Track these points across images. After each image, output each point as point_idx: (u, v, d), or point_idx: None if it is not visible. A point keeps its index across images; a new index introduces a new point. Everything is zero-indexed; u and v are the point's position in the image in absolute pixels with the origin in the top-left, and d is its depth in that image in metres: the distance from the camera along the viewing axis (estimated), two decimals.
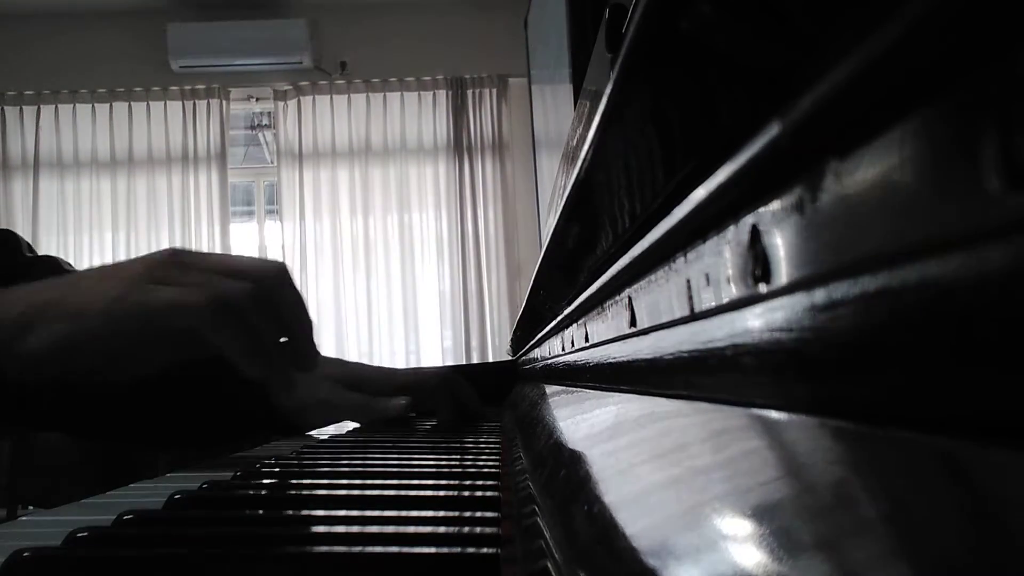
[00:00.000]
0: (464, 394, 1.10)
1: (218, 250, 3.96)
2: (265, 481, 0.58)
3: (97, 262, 3.91)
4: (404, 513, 0.42)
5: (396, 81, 3.99)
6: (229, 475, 0.58)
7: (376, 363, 3.79)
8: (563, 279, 0.69)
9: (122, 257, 3.88)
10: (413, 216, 4.00)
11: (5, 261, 0.87)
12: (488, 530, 0.38)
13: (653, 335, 0.33)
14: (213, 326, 0.59)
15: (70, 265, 1.00)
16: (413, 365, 3.79)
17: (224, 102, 4.01)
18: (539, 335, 1.01)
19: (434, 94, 4.00)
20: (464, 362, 3.72)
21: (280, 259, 0.70)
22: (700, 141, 0.25)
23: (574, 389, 0.61)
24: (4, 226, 3.89)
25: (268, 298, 0.62)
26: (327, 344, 3.92)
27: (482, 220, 3.99)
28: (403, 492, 0.50)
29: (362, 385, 0.98)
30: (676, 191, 0.27)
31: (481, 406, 1.14)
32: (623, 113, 0.31)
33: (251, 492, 0.53)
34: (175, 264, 0.62)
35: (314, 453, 0.75)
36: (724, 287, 0.23)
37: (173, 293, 0.60)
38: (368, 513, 0.41)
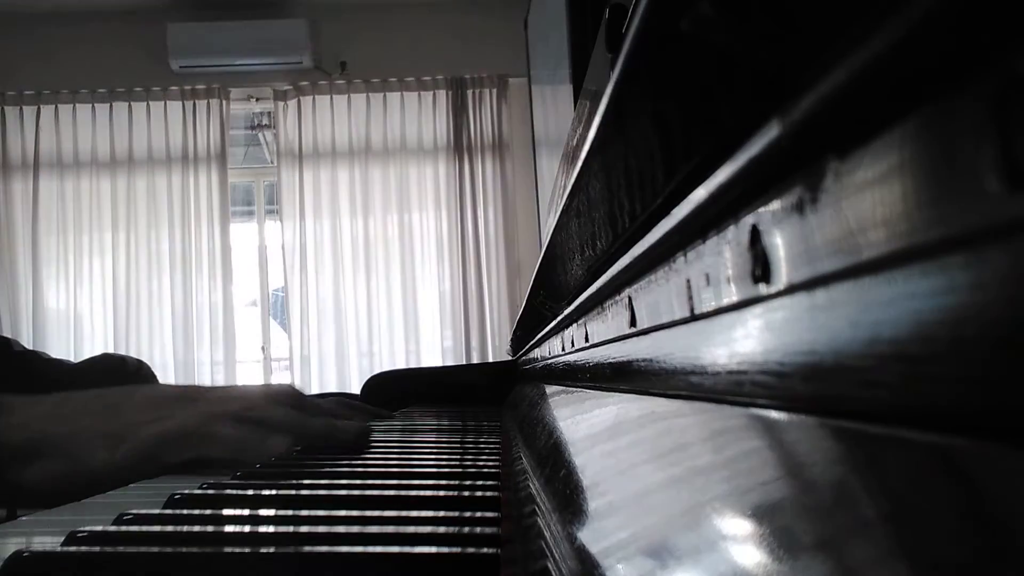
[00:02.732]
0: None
1: (218, 250, 3.95)
2: (265, 481, 0.58)
3: (97, 262, 3.91)
4: (404, 513, 0.42)
5: (396, 81, 3.99)
6: (229, 475, 0.58)
7: (376, 364, 3.80)
8: (563, 279, 0.69)
9: (122, 261, 3.88)
10: (413, 216, 4.00)
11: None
12: (488, 530, 0.38)
13: (653, 335, 0.33)
14: (203, 443, 0.64)
15: (22, 347, 0.99)
16: (413, 365, 3.79)
17: (224, 102, 4.00)
18: (539, 335, 1.01)
19: (434, 94, 4.00)
20: (464, 362, 3.72)
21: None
22: (700, 141, 0.25)
23: (574, 389, 0.61)
24: (4, 226, 3.88)
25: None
26: (327, 344, 3.92)
27: (482, 220, 3.99)
28: (403, 492, 0.50)
29: None
30: (676, 191, 0.27)
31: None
32: (623, 113, 0.31)
33: (251, 492, 0.53)
34: (168, 398, 0.67)
35: (314, 453, 0.75)
36: (724, 287, 0.23)
37: (161, 427, 0.63)
38: (368, 513, 0.41)
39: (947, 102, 0.12)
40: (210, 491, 0.50)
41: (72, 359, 1.03)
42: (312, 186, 3.99)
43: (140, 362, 1.05)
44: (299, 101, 3.99)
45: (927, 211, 0.12)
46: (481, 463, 0.66)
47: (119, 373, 0.98)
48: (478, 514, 0.42)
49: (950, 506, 0.12)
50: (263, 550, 0.35)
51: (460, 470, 0.63)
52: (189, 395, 0.68)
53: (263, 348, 4.15)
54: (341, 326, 3.94)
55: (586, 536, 0.28)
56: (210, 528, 0.41)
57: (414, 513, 0.43)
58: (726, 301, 0.23)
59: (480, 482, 0.55)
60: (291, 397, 0.73)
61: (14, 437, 0.62)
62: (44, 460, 0.61)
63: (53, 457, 0.61)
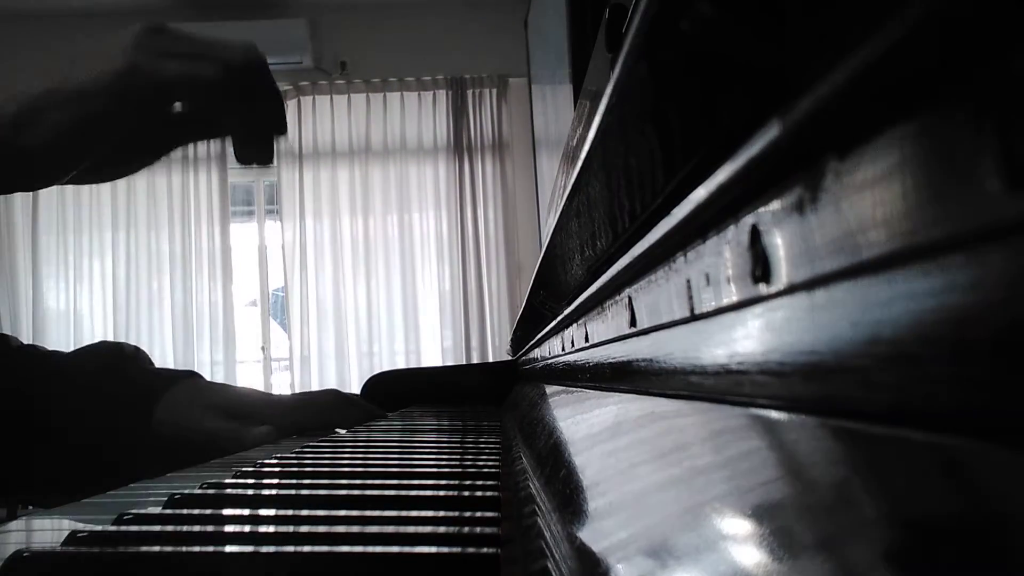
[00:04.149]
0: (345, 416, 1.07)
1: (218, 250, 3.95)
2: (265, 481, 0.58)
3: (97, 262, 3.91)
4: (404, 513, 0.43)
5: (396, 81, 3.99)
6: (229, 475, 0.58)
7: (376, 364, 3.80)
8: (563, 279, 0.69)
9: (122, 261, 3.88)
10: (413, 216, 4.00)
11: None
12: (488, 530, 0.38)
13: (653, 335, 0.33)
14: (225, 100, 0.60)
15: (19, 342, 0.98)
16: (413, 365, 3.79)
17: None
18: (539, 335, 1.01)
19: (434, 94, 4.00)
20: (464, 362, 3.72)
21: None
22: (700, 141, 0.25)
23: (574, 389, 0.61)
24: (4, 226, 3.86)
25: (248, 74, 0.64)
26: (327, 344, 3.92)
27: (482, 220, 3.99)
28: (403, 492, 0.50)
29: (244, 410, 0.97)
30: (676, 191, 0.27)
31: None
32: (623, 113, 0.31)
33: (251, 492, 0.53)
34: (164, 34, 0.64)
35: (314, 453, 0.75)
36: (724, 287, 0.23)
37: (182, 66, 0.61)
38: (368, 513, 0.42)
39: (947, 102, 0.12)
40: (210, 491, 0.50)
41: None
42: (312, 186, 3.99)
43: (136, 348, 1.05)
44: (299, 101, 3.99)
45: (927, 211, 0.12)
46: (481, 463, 0.66)
47: (115, 359, 0.98)
48: (478, 514, 0.42)
49: (950, 506, 0.12)
50: (263, 550, 0.35)
51: (460, 470, 0.63)
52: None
53: (263, 348, 4.16)
54: (341, 326, 3.94)
55: (586, 536, 0.28)
56: (210, 528, 0.41)
57: (414, 513, 0.43)
58: (726, 301, 0.23)
59: (480, 482, 0.55)
60: None
61: (7, 108, 0.58)
62: (49, 114, 0.58)
63: (57, 108, 0.58)
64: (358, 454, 0.76)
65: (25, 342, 0.97)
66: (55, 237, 3.92)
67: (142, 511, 0.43)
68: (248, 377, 4.06)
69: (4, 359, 0.89)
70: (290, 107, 3.99)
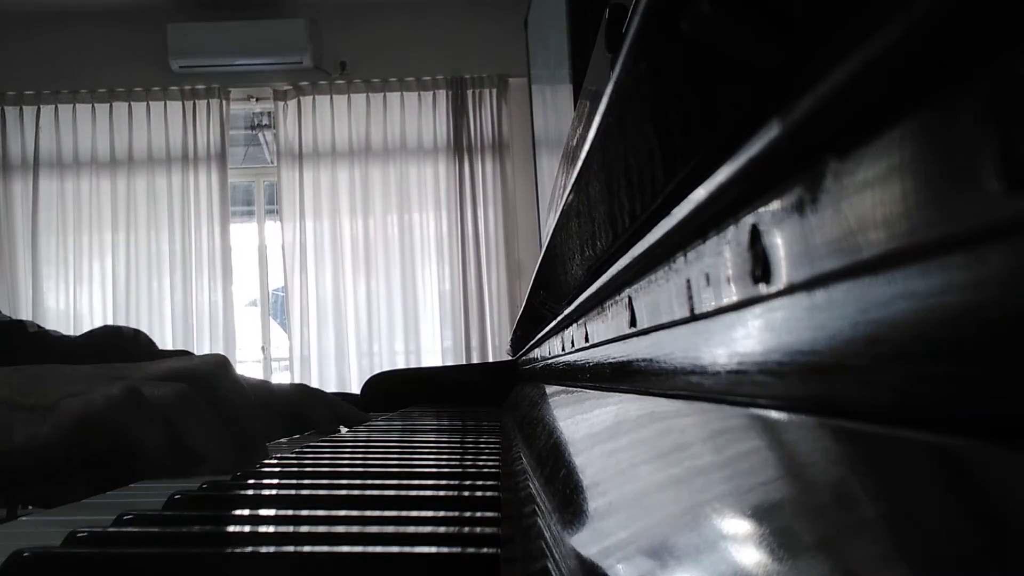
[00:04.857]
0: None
1: (218, 250, 3.95)
2: (265, 481, 0.58)
3: (97, 262, 3.91)
4: (404, 513, 0.43)
5: (396, 81, 3.99)
6: (229, 475, 0.58)
7: (376, 364, 3.80)
8: (563, 279, 0.69)
9: (121, 258, 3.88)
10: (413, 216, 4.00)
11: None
12: (488, 530, 0.38)
13: (653, 335, 0.33)
14: (128, 420, 0.59)
15: (36, 326, 1.00)
16: (413, 365, 3.79)
17: (224, 102, 4.00)
18: (539, 335, 1.01)
19: (434, 94, 4.00)
20: (464, 362, 3.72)
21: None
22: (700, 141, 0.25)
23: (574, 389, 0.61)
24: (4, 226, 3.88)
25: (203, 395, 0.63)
26: (327, 344, 3.92)
27: (482, 220, 3.99)
28: (403, 492, 0.50)
29: None
30: (676, 191, 0.27)
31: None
32: (623, 113, 0.31)
33: (251, 492, 0.53)
34: (95, 374, 0.63)
35: (314, 453, 0.75)
36: (724, 287, 0.23)
37: (83, 402, 0.60)
38: (368, 513, 0.42)
39: (947, 102, 0.12)
40: (210, 491, 0.50)
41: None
42: (312, 186, 3.99)
43: (136, 330, 1.05)
44: (299, 101, 3.99)
45: (927, 211, 0.12)
46: (481, 463, 0.66)
47: (116, 341, 0.99)
48: (478, 514, 0.42)
49: (950, 506, 0.12)
50: (263, 550, 0.35)
51: (460, 470, 0.63)
52: (115, 373, 0.64)
53: (263, 348, 4.16)
54: (341, 326, 3.94)
55: (586, 536, 0.28)
56: (210, 528, 0.41)
57: (414, 513, 0.43)
58: (726, 301, 0.23)
59: (480, 482, 0.55)
60: (224, 380, 0.66)
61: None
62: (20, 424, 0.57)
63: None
64: (358, 454, 0.76)
65: (40, 327, 1.00)
66: (55, 237, 3.92)
67: (142, 511, 0.43)
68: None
69: (23, 343, 0.91)
70: (290, 107, 4.00)
